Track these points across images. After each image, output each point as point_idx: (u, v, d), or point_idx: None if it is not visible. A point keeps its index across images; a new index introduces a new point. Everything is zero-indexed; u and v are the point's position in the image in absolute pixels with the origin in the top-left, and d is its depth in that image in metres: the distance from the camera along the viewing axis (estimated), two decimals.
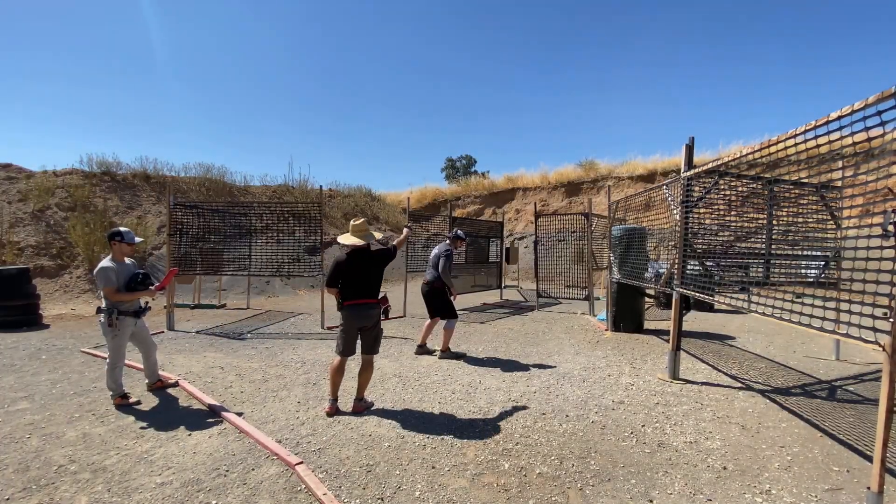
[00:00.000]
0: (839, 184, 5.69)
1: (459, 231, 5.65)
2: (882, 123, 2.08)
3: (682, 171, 4.38)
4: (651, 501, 2.37)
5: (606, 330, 7.04)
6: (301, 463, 2.70)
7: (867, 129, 2.22)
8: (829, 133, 2.47)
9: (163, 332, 6.85)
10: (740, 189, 4.69)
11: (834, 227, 5.34)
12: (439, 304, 5.32)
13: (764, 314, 3.09)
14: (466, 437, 3.14)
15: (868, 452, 2.91)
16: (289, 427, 3.29)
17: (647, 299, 8.86)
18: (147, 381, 4.16)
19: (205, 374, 4.66)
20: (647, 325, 7.28)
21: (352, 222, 3.67)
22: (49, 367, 4.90)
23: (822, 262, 5.17)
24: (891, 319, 1.94)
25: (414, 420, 3.44)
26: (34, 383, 4.33)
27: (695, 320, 8.07)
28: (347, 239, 3.57)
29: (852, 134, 2.30)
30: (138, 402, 3.80)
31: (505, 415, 3.54)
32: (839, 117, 2.39)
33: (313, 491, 2.40)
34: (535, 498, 2.39)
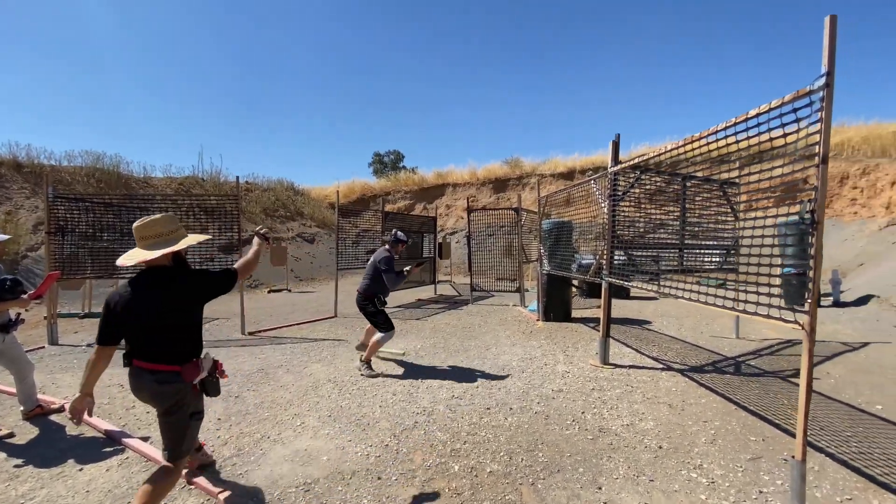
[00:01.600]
0: (738, 180, 6.36)
1: (399, 233, 4.95)
2: (783, 126, 2.27)
3: (609, 166, 4.58)
4: (600, 489, 2.41)
5: (538, 320, 7.26)
6: (224, 491, 2.37)
7: (770, 130, 2.42)
8: (736, 133, 2.66)
9: (43, 347, 5.81)
10: (659, 184, 5.04)
11: (733, 219, 5.97)
12: (372, 315, 4.60)
13: (690, 300, 3.31)
14: (412, 440, 2.99)
15: (776, 421, 3.24)
16: (208, 449, 2.89)
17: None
18: (22, 408, 3.45)
19: (100, 394, 3.98)
20: (574, 313, 7.64)
21: (135, 224, 2.05)
22: None
23: (724, 251, 5.76)
24: (808, 300, 2.12)
25: (354, 428, 3.21)
26: None
27: (614, 307, 8.63)
28: (132, 257, 2.01)
29: (758, 135, 2.49)
30: (11, 435, 3.13)
31: (449, 413, 3.43)
32: (745, 119, 2.58)
33: None
34: (489, 499, 2.31)
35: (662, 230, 5.26)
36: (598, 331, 6.30)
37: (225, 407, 3.63)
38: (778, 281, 3.05)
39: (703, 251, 5.42)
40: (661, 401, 3.67)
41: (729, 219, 5.82)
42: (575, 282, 9.63)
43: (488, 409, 3.52)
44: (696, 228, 5.35)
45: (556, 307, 7.18)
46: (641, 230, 5.10)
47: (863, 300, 8.39)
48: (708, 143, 2.99)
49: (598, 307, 8.71)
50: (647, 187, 4.84)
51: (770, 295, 2.64)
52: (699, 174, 4.98)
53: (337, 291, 8.38)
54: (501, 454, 2.78)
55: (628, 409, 3.51)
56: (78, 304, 8.70)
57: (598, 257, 5.11)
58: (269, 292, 12.03)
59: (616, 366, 4.64)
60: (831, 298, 8.73)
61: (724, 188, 5.26)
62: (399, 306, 9.09)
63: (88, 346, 5.87)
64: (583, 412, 3.44)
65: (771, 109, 2.41)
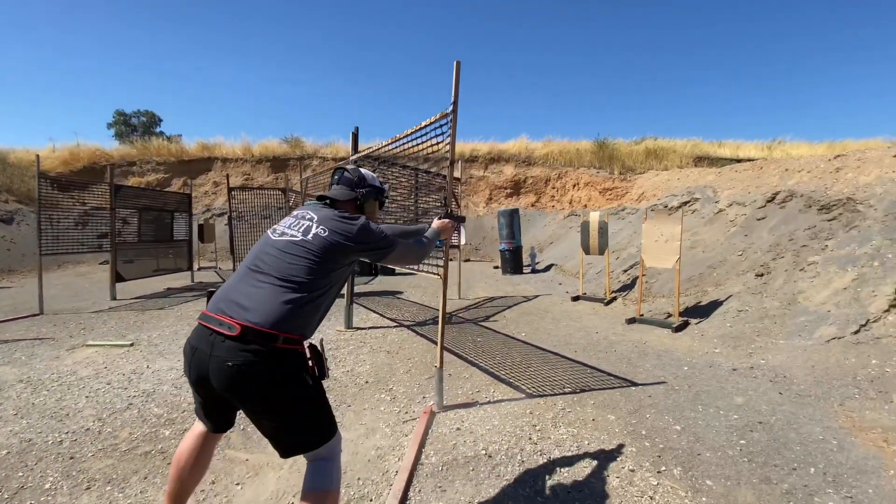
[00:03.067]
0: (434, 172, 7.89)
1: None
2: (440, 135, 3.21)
3: (350, 154, 5.20)
4: None
5: None
6: None
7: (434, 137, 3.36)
8: (416, 139, 3.56)
9: None
10: (395, 174, 5.96)
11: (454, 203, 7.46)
12: (295, 404, 1.63)
13: (422, 271, 4.17)
14: (121, 420, 2.91)
15: (457, 351, 4.45)
16: None
17: None
18: None
19: None
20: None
21: None
22: None
23: None
24: (442, 258, 3.09)
25: (49, 420, 2.89)
26: None
27: (380, 283, 9.67)
28: None
29: (427, 141, 3.41)
30: None
31: (174, 390, 3.44)
32: (427, 125, 3.49)
33: None
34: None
35: (402, 216, 6.25)
36: (360, 303, 7.06)
37: None
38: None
39: None
40: (383, 349, 4.53)
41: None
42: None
43: None
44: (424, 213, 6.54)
45: None
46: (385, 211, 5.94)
47: (548, 268, 11.70)
48: (403, 145, 3.83)
49: (367, 283, 9.59)
50: (386, 176, 5.68)
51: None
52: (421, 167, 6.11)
53: (41, 284, 6.72)
54: None
55: (353, 360, 4.21)
56: None
57: None
58: None
59: (358, 328, 5.38)
60: (530, 267, 11.88)
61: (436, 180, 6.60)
62: (139, 297, 7.92)
63: None
64: None
65: (431, 123, 3.32)
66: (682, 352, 4.41)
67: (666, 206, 9.37)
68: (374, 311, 6.45)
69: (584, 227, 7.53)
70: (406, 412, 3.07)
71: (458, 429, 2.83)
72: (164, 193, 10.32)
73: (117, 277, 7.92)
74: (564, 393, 3.41)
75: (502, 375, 3.81)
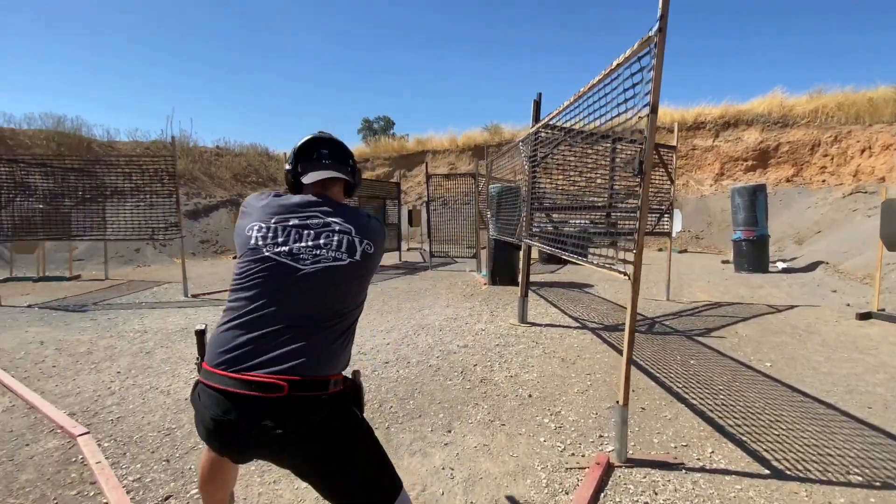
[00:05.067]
0: (675, 143, 6.31)
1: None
2: None
3: (531, 125, 4.53)
4: (449, 431, 2.52)
5: (485, 284, 7.36)
6: (86, 433, 2.45)
7: None
8: (604, 86, 2.62)
9: None
10: (583, 146, 4.99)
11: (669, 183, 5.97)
12: (355, 445, 1.36)
13: (577, 262, 3.36)
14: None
15: (657, 375, 3.36)
16: (94, 399, 2.98)
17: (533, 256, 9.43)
18: None
19: (16, 349, 4.05)
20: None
21: None
22: None
23: (657, 216, 5.80)
24: (633, 250, 2.17)
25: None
26: None
27: (567, 272, 8.76)
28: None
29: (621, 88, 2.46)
30: None
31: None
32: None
33: (87, 460, 2.19)
34: None
35: (587, 193, 5.26)
36: (541, 295, 6.43)
37: (130, 362, 3.71)
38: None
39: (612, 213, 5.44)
40: (558, 355, 3.79)
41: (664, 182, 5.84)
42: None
43: (386, 363, 3.62)
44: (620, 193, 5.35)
45: (502, 271, 7.26)
46: (565, 192, 5.10)
47: (812, 266, 8.55)
48: (588, 100, 2.95)
49: (552, 272, 8.85)
50: (568, 147, 4.80)
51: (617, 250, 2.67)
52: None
53: None
54: (375, 403, 2.89)
55: (521, 362, 3.62)
56: (33, 268, 8.68)
57: (521, 219, 5.13)
58: (233, 258, 12.03)
59: (533, 324, 4.75)
60: (782, 264, 8.88)
61: (659, 151, 5.24)
62: None
63: (29, 306, 5.90)
64: (475, 365, 3.55)
65: (627, 59, 2.37)
66: None
67: None
68: (555, 306, 5.69)
69: (888, 208, 4.94)
70: (572, 453, 2.32)
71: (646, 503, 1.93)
72: (379, 183, 11.74)
73: None
74: (849, 484, 2.04)
75: (729, 426, 2.60)
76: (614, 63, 2.58)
